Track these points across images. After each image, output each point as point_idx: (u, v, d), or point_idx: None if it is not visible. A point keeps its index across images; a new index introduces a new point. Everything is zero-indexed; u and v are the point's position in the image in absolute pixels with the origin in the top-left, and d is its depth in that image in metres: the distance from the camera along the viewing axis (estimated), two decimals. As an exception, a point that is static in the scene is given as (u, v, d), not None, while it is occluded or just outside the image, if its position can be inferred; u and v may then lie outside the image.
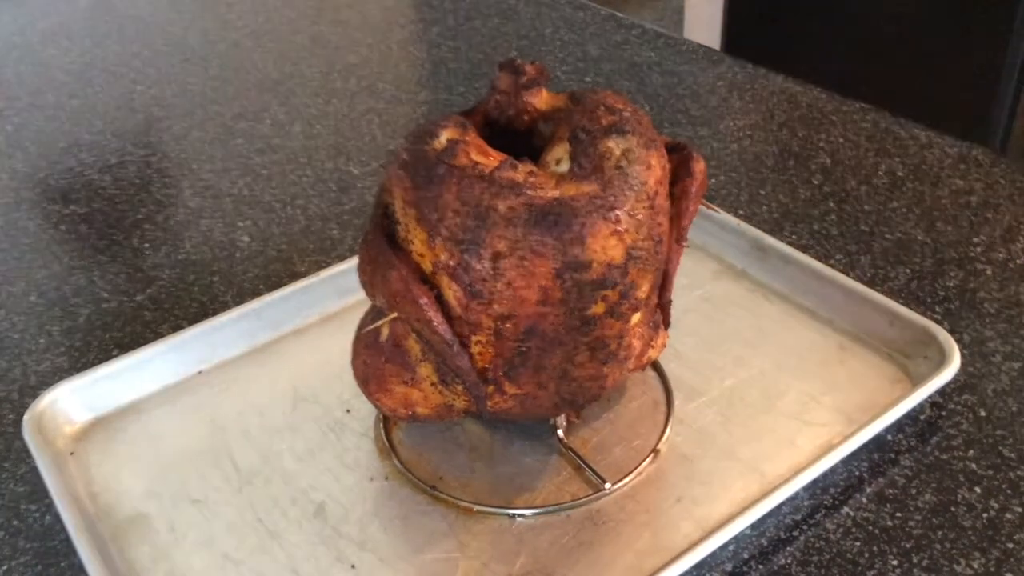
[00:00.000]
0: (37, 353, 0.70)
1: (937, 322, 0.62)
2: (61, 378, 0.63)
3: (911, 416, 0.59)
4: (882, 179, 0.83)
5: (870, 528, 0.52)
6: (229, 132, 0.99)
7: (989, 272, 0.71)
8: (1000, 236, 0.75)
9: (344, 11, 1.28)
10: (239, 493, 0.56)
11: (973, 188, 0.81)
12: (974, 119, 1.87)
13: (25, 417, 0.59)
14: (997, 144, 1.88)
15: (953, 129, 0.90)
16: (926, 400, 0.59)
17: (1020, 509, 0.53)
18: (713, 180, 0.84)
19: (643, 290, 0.50)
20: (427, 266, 0.48)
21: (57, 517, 0.55)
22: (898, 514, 0.53)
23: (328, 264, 0.74)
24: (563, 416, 0.57)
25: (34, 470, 0.58)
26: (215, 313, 0.68)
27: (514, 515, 0.54)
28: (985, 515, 0.53)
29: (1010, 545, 0.51)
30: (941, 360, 0.59)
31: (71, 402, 0.62)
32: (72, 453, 0.60)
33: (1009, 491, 0.54)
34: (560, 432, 0.58)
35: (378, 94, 1.05)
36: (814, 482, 0.54)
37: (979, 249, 0.73)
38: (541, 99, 0.52)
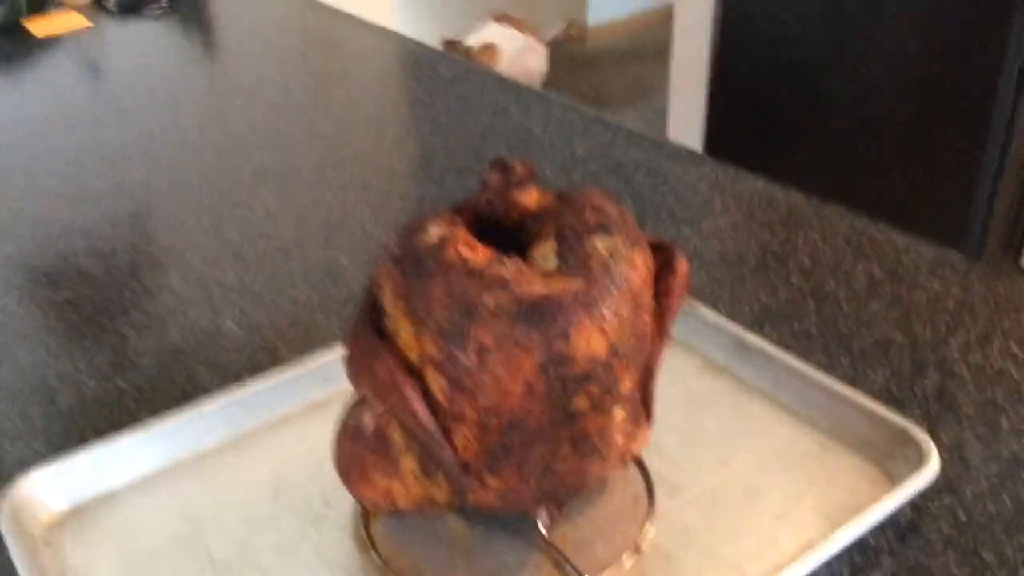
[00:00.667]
0: (15, 437, 0.69)
1: (916, 423, 0.63)
2: (39, 463, 0.62)
3: (892, 518, 0.59)
4: (860, 281, 0.85)
5: (853, 631, 0.52)
6: (221, 221, 1.00)
7: (966, 374, 0.72)
8: (976, 339, 0.76)
9: (339, 106, 1.32)
10: (215, 585, 0.55)
11: (949, 292, 0.82)
12: (951, 224, 1.92)
13: (2, 503, 0.58)
14: (973, 249, 1.92)
15: (930, 233, 0.93)
16: (906, 502, 0.59)
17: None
18: (696, 278, 0.86)
19: (626, 385, 0.50)
20: (414, 358, 0.49)
21: (28, 607, 0.54)
22: (881, 617, 0.53)
23: (314, 353, 0.74)
24: (544, 511, 0.57)
25: (7, 559, 0.57)
26: (198, 401, 0.68)
27: (494, 612, 0.53)
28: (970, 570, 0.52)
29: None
30: (920, 461, 0.59)
31: (48, 489, 0.61)
32: (48, 543, 0.59)
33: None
34: (542, 527, 0.57)
35: (370, 187, 1.07)
36: (796, 583, 0.54)
37: (956, 352, 0.75)
38: (530, 198, 0.54)
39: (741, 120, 2.31)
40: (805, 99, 2.13)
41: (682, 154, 1.12)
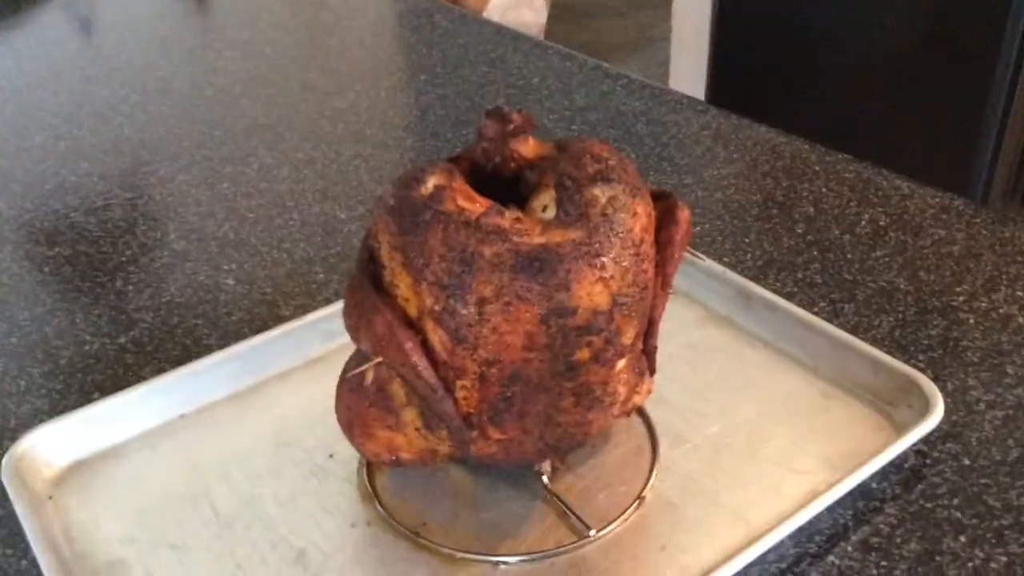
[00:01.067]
0: (17, 396, 0.69)
1: (920, 370, 0.63)
2: (41, 421, 0.62)
3: (896, 464, 0.59)
4: (865, 228, 0.84)
5: (856, 577, 0.52)
6: (216, 175, 0.99)
7: (972, 321, 0.72)
8: (982, 285, 0.75)
9: (333, 58, 1.30)
10: (218, 539, 0.56)
11: (955, 238, 0.82)
12: (955, 170, 1.90)
13: (3, 461, 0.58)
14: (978, 195, 1.90)
15: (934, 179, 0.92)
16: (910, 448, 0.59)
17: (1004, 559, 0.53)
18: (698, 228, 0.85)
19: (628, 336, 0.50)
20: (412, 311, 0.48)
21: (34, 562, 0.54)
22: (883, 563, 0.53)
23: (313, 308, 0.74)
24: (548, 462, 0.57)
25: (11, 514, 0.57)
26: (198, 356, 0.68)
27: (498, 562, 0.53)
28: (970, 564, 0.52)
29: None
30: (925, 408, 0.59)
31: (50, 446, 0.61)
32: (50, 497, 0.59)
33: (994, 540, 0.54)
34: (545, 478, 0.57)
35: (366, 139, 1.06)
36: (799, 530, 0.54)
37: (961, 298, 0.74)
38: (528, 147, 0.53)
39: (744, 68, 2.28)
40: (809, 47, 2.10)
41: (684, 103, 1.11)
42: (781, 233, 0.84)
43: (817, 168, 0.94)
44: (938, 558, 0.53)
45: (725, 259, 0.80)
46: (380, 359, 0.50)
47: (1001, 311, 0.72)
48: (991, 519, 0.55)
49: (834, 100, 2.09)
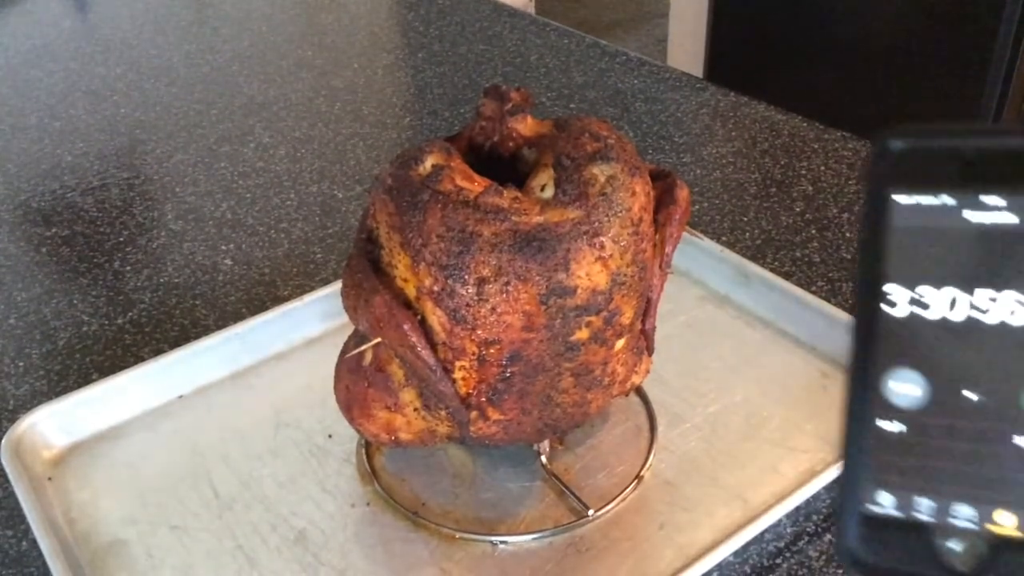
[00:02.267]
0: (16, 377, 0.69)
1: (918, 349, 0.63)
2: (40, 402, 0.62)
3: (893, 443, 0.59)
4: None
5: (853, 555, 0.52)
6: (213, 155, 0.99)
7: (969, 299, 0.71)
8: (980, 264, 0.75)
9: (330, 36, 1.29)
10: (218, 519, 0.56)
11: (953, 216, 0.81)
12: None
13: (3, 442, 0.58)
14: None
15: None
16: (908, 427, 0.59)
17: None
18: (696, 207, 0.85)
19: (627, 316, 0.50)
20: (411, 291, 0.48)
21: (34, 543, 0.54)
22: (881, 541, 0.53)
23: (311, 288, 0.74)
24: (546, 442, 0.57)
25: (11, 495, 0.57)
26: (197, 337, 0.68)
27: (497, 542, 0.53)
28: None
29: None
30: (922, 387, 0.59)
31: (50, 427, 0.61)
32: (50, 478, 0.59)
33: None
34: (543, 458, 0.57)
35: (363, 118, 1.05)
36: (797, 509, 0.54)
37: None
38: (526, 125, 0.52)
39: (743, 46, 2.26)
40: (808, 24, 2.09)
41: (682, 81, 1.10)
42: (779, 212, 0.84)
43: (816, 146, 0.94)
44: (935, 536, 0.53)
45: (724, 238, 0.80)
46: (379, 340, 0.50)
47: (999, 290, 0.72)
48: None
49: (833, 78, 2.08)
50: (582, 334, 0.48)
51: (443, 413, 0.51)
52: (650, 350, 0.56)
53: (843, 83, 2.06)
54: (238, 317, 0.72)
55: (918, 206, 0.27)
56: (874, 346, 0.28)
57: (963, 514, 0.26)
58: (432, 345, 0.48)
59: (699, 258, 0.73)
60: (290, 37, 1.29)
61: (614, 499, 0.55)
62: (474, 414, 0.50)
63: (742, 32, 2.26)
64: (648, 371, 0.58)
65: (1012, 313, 0.26)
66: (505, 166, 0.53)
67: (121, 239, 0.86)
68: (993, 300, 0.26)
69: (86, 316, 0.75)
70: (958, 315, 0.27)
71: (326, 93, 1.11)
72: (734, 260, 0.72)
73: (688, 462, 0.58)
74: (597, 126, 0.51)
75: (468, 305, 0.46)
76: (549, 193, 0.48)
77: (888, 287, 0.28)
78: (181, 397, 0.65)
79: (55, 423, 0.61)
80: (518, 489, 0.57)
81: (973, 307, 0.26)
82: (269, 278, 0.79)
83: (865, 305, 0.28)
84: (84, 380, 0.67)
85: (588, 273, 0.46)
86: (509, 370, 0.48)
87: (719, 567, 0.51)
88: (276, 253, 0.82)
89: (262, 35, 1.30)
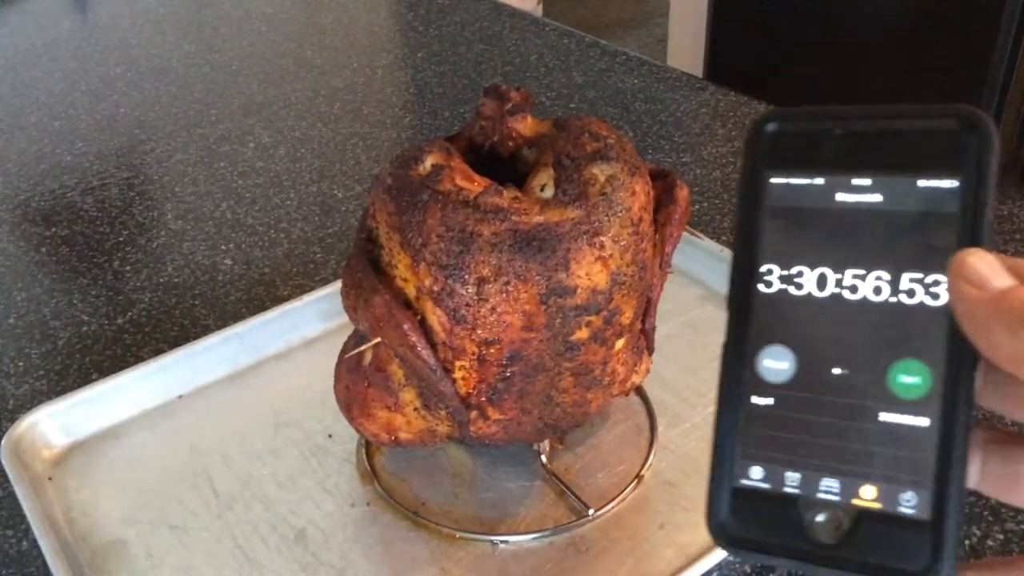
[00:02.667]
0: (15, 377, 0.69)
1: (918, 349, 0.63)
2: (40, 402, 0.62)
3: (893, 442, 0.59)
4: (863, 206, 0.84)
5: (853, 555, 0.52)
6: (212, 155, 0.99)
7: (969, 299, 0.71)
8: (979, 263, 0.75)
9: (330, 35, 1.29)
10: (218, 519, 0.56)
11: (953, 216, 0.81)
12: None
13: (2, 442, 0.58)
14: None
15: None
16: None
17: (1002, 536, 0.53)
18: (696, 207, 0.85)
19: (627, 316, 0.50)
20: (411, 291, 0.48)
21: (34, 543, 0.54)
22: (881, 541, 0.53)
23: (311, 288, 0.74)
24: (547, 441, 0.57)
25: (11, 495, 0.57)
26: (196, 337, 0.68)
27: (497, 542, 0.53)
28: (967, 541, 0.53)
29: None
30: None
31: (49, 426, 0.61)
32: (50, 478, 0.59)
33: (991, 518, 0.54)
34: (544, 458, 0.57)
35: (363, 118, 1.05)
36: (797, 509, 0.54)
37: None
38: (526, 125, 0.52)
39: (743, 46, 2.26)
40: (808, 24, 2.09)
41: (682, 80, 1.10)
42: (780, 211, 0.84)
43: (816, 146, 0.94)
44: (935, 535, 0.53)
45: (724, 238, 0.80)
46: (378, 339, 0.50)
47: (999, 289, 0.72)
48: (987, 497, 0.55)
49: (832, 77, 2.08)
50: (582, 334, 0.48)
51: (443, 413, 0.51)
52: (650, 350, 0.56)
53: (843, 83, 2.06)
54: (238, 317, 0.72)
55: (792, 187, 0.28)
56: (749, 324, 0.29)
57: (830, 488, 0.27)
58: (432, 345, 0.48)
59: (699, 258, 0.73)
60: (290, 37, 1.29)
61: (614, 499, 0.55)
62: (474, 414, 0.50)
63: (742, 32, 2.26)
64: (648, 371, 0.58)
65: (876, 291, 0.27)
66: (505, 166, 0.53)
67: (121, 239, 0.86)
68: (861, 278, 0.27)
69: (86, 316, 0.75)
70: (824, 293, 0.27)
71: (326, 93, 1.11)
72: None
73: (688, 461, 0.58)
74: (597, 126, 0.51)
75: (468, 305, 0.46)
76: (549, 193, 0.48)
77: (764, 266, 0.28)
78: (181, 397, 0.65)
79: (55, 423, 0.61)
80: (518, 489, 0.57)
81: (839, 285, 0.27)
82: (269, 278, 0.79)
83: (741, 284, 0.29)
84: (84, 380, 0.67)
85: (588, 273, 0.46)
86: (509, 370, 0.48)
87: (719, 567, 0.51)
88: (276, 253, 0.82)
89: (262, 35, 1.30)
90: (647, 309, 0.53)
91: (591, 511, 0.54)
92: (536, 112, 0.53)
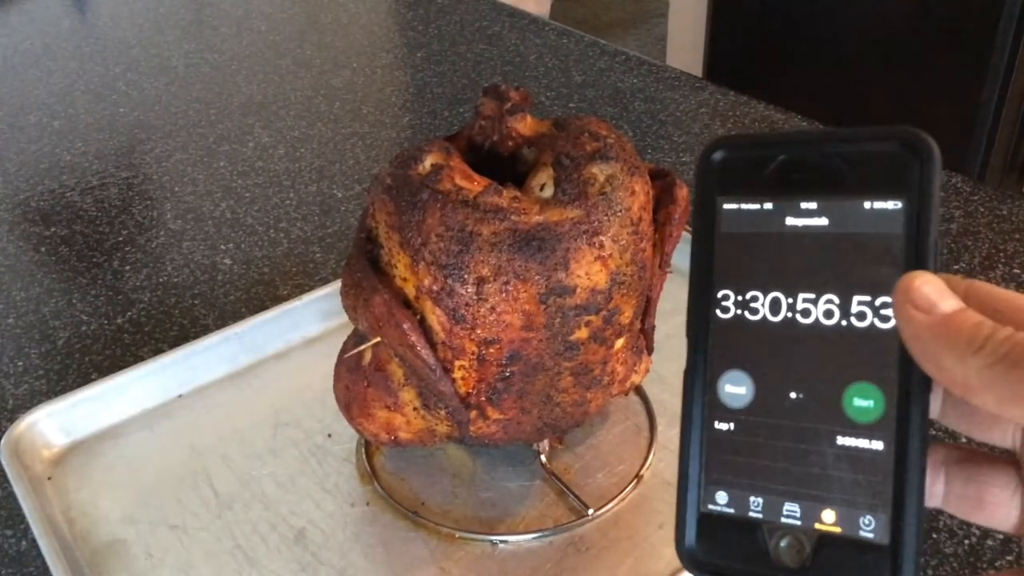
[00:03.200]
0: (15, 376, 0.69)
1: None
2: (39, 402, 0.62)
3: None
4: (863, 206, 0.84)
5: (852, 554, 0.52)
6: (212, 155, 0.99)
7: (968, 299, 0.71)
8: (979, 263, 0.75)
9: (329, 35, 1.29)
10: (218, 519, 0.56)
11: (952, 215, 0.82)
12: (952, 147, 1.90)
13: (2, 441, 0.58)
14: (975, 172, 1.90)
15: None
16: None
17: (1001, 536, 0.53)
18: (696, 206, 0.85)
19: (627, 315, 0.50)
20: (410, 291, 0.48)
21: (33, 542, 0.54)
22: (880, 540, 0.53)
23: (311, 287, 0.74)
24: (546, 441, 0.57)
25: (11, 495, 0.57)
26: (196, 336, 0.68)
27: (496, 541, 0.53)
28: (967, 541, 0.53)
29: (991, 572, 0.51)
30: (922, 386, 0.59)
31: (49, 426, 0.61)
32: (49, 478, 0.59)
33: (990, 517, 0.54)
34: (543, 457, 0.57)
35: (362, 117, 1.05)
36: (797, 508, 0.54)
37: (959, 276, 0.74)
38: (525, 125, 0.52)
39: (742, 45, 2.26)
40: (807, 23, 2.09)
41: (682, 80, 1.10)
42: (779, 211, 0.84)
43: (815, 145, 0.94)
44: (935, 536, 0.53)
45: (723, 237, 0.80)
46: (378, 339, 0.50)
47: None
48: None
49: (832, 77, 2.08)
50: (581, 333, 0.48)
51: (442, 412, 0.51)
52: (650, 349, 0.56)
53: (843, 83, 2.06)
54: (237, 317, 0.72)
55: (743, 212, 0.28)
56: (708, 350, 0.29)
57: (792, 512, 0.27)
58: (431, 344, 0.48)
59: (698, 257, 0.73)
60: (289, 36, 1.29)
61: (614, 498, 0.55)
62: (473, 413, 0.50)
63: (741, 31, 2.26)
64: (648, 370, 0.58)
65: (827, 314, 0.27)
66: (504, 165, 0.53)
67: (120, 238, 0.86)
68: (812, 302, 0.27)
69: (85, 316, 0.75)
70: (778, 317, 0.28)
71: (325, 92, 1.11)
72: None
73: (688, 461, 0.58)
74: (596, 125, 0.51)
75: (467, 304, 0.46)
76: (548, 192, 0.48)
77: (720, 292, 0.29)
78: (180, 397, 0.65)
79: (54, 423, 0.61)
80: (518, 488, 0.57)
81: (792, 309, 0.27)
82: (268, 277, 0.79)
83: (698, 310, 0.29)
84: (83, 380, 0.67)
85: (587, 272, 0.46)
86: (508, 369, 0.48)
87: (718, 566, 0.51)
88: (275, 252, 0.82)
89: (261, 34, 1.30)
90: (647, 309, 0.53)
91: (591, 511, 0.54)
92: (535, 112, 0.53)
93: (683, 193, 0.52)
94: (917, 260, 0.26)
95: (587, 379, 0.51)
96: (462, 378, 0.49)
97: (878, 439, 0.26)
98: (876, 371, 0.26)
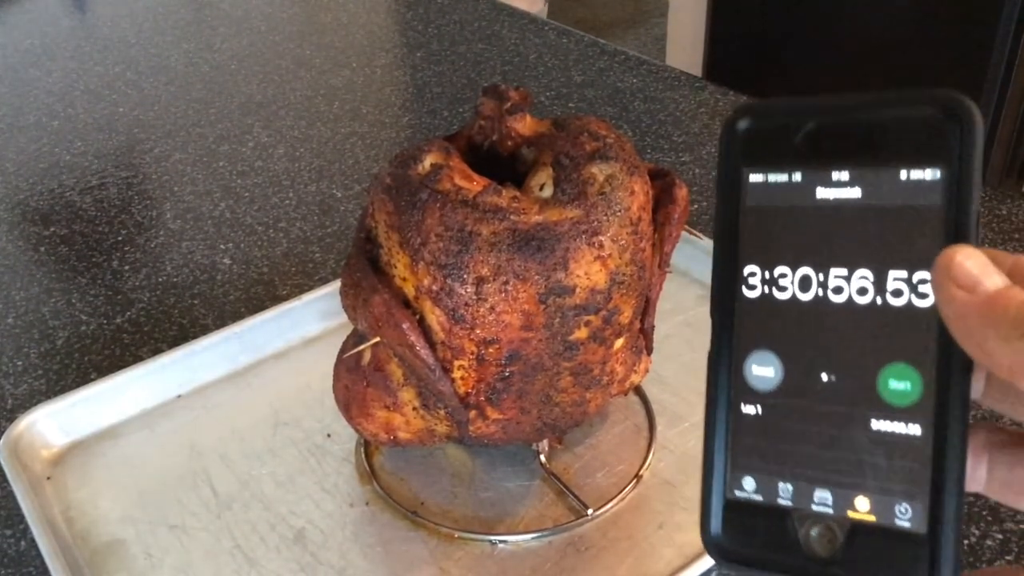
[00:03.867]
0: (14, 376, 0.69)
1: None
2: (38, 401, 0.62)
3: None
4: (862, 206, 0.84)
5: (852, 554, 0.52)
6: (211, 154, 0.99)
7: (968, 299, 0.71)
8: (978, 263, 0.75)
9: (328, 35, 1.29)
10: (217, 519, 0.56)
11: (952, 215, 0.81)
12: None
13: (1, 441, 0.58)
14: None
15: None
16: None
17: (1000, 536, 0.53)
18: (695, 206, 0.85)
19: (626, 315, 0.50)
20: (410, 290, 0.48)
21: (33, 542, 0.54)
22: (880, 540, 0.53)
23: (310, 287, 0.74)
24: (546, 441, 0.57)
25: (10, 495, 0.57)
26: (195, 336, 0.68)
27: (496, 541, 0.53)
28: (966, 541, 0.53)
29: (986, 568, 0.51)
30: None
31: (48, 426, 0.61)
32: (49, 477, 0.59)
33: (990, 518, 0.54)
34: (543, 457, 0.57)
35: (361, 117, 1.05)
36: (796, 508, 0.54)
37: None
38: (525, 124, 0.52)
39: (742, 45, 2.26)
40: (806, 22, 2.09)
41: (681, 80, 1.10)
42: (779, 211, 0.84)
43: (815, 145, 0.94)
44: (934, 535, 0.53)
45: (723, 237, 0.80)
46: (377, 339, 0.50)
47: (998, 289, 0.72)
48: (985, 498, 0.55)
49: (831, 76, 2.08)
50: (581, 333, 0.48)
51: (442, 412, 0.51)
52: (649, 349, 0.56)
53: (842, 83, 2.06)
54: (237, 316, 0.72)
55: (770, 184, 0.27)
56: (733, 329, 0.28)
57: (824, 500, 0.26)
58: (431, 344, 0.48)
59: (698, 257, 0.73)
60: (289, 36, 1.29)
61: (613, 498, 0.55)
62: (473, 413, 0.50)
63: (741, 31, 2.26)
64: (647, 370, 0.58)
65: (861, 291, 0.25)
66: (504, 165, 0.53)
67: (119, 238, 0.85)
68: (845, 278, 0.25)
69: (84, 315, 0.75)
70: (809, 295, 0.26)
71: (325, 92, 1.11)
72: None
73: (687, 461, 0.58)
74: (596, 125, 0.51)
75: (467, 304, 0.46)
76: (548, 192, 0.48)
77: (746, 269, 0.27)
78: (180, 396, 0.65)
79: (54, 422, 0.61)
80: (517, 488, 0.57)
81: (823, 286, 0.26)
82: (268, 277, 0.79)
83: (724, 288, 0.28)
84: (83, 379, 0.67)
85: (587, 272, 0.46)
86: (508, 369, 0.48)
87: (717, 568, 0.51)
88: (275, 252, 0.82)
89: (261, 34, 1.30)
90: (646, 309, 0.53)
91: (590, 511, 0.54)
92: (535, 111, 0.53)
93: (683, 193, 0.52)
94: (957, 234, 0.24)
95: (586, 379, 0.51)
96: (461, 378, 0.49)
97: (915, 423, 0.24)
98: (913, 351, 0.24)
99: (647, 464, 0.58)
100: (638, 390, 0.63)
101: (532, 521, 0.54)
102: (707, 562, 0.50)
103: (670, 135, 0.98)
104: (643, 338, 0.55)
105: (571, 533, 0.54)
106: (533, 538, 0.53)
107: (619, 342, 0.51)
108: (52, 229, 0.87)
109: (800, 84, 2.11)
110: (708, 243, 0.73)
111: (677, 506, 0.55)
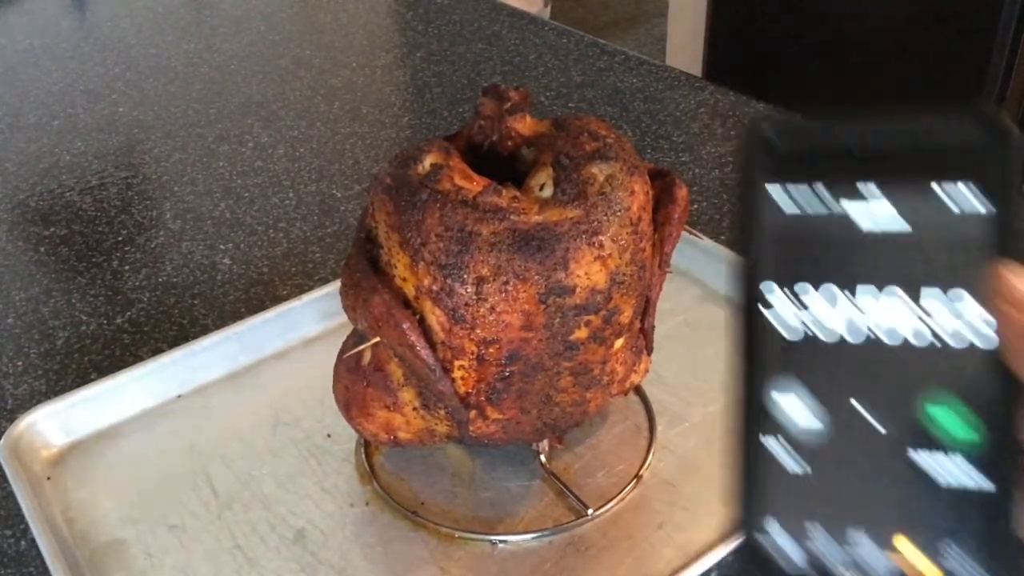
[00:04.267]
0: (14, 376, 0.69)
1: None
2: (38, 402, 0.62)
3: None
4: (862, 206, 0.84)
5: (852, 554, 0.52)
6: (211, 154, 0.99)
7: (968, 298, 0.71)
8: (978, 263, 0.75)
9: (328, 34, 1.29)
10: (217, 519, 0.56)
11: (952, 215, 0.81)
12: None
13: (1, 441, 0.58)
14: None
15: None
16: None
17: None
18: (695, 206, 0.85)
19: (626, 315, 0.50)
20: (410, 291, 0.48)
21: (33, 542, 0.54)
22: (880, 540, 0.53)
23: (310, 287, 0.74)
24: (546, 441, 0.57)
25: (10, 495, 0.57)
26: (195, 337, 0.68)
27: (496, 541, 0.53)
28: None
29: None
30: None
31: (48, 426, 0.61)
32: (49, 478, 0.59)
33: None
34: (543, 457, 0.57)
35: (361, 118, 1.05)
36: (796, 508, 0.54)
37: None
38: (525, 125, 0.52)
39: (742, 45, 2.26)
40: (807, 22, 2.09)
41: (681, 80, 1.10)
42: (779, 211, 0.84)
43: (815, 145, 0.94)
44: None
45: (723, 237, 0.80)
46: (377, 339, 0.50)
47: (998, 289, 0.72)
48: None
49: (831, 76, 2.08)
50: (581, 333, 0.48)
51: (442, 412, 0.51)
52: (649, 349, 0.56)
53: (843, 83, 2.06)
54: (237, 317, 0.72)
55: (793, 197, 0.25)
56: (755, 355, 0.26)
57: (860, 542, 0.24)
58: (431, 344, 0.48)
59: (698, 257, 0.73)
60: (288, 36, 1.29)
61: (613, 498, 0.55)
62: (473, 413, 0.50)
63: (741, 31, 2.26)
64: (647, 370, 0.58)
65: (896, 315, 0.24)
66: (504, 165, 0.52)
67: (119, 238, 0.85)
68: (875, 300, 0.24)
69: (84, 315, 0.75)
70: (838, 319, 0.24)
71: (324, 92, 1.11)
72: (733, 259, 0.71)
73: (687, 461, 0.58)
74: (596, 125, 0.51)
75: (467, 304, 0.46)
76: (548, 192, 0.48)
77: (768, 289, 0.25)
78: (180, 397, 0.65)
79: (54, 423, 0.61)
80: (517, 488, 0.57)
81: (851, 308, 0.24)
82: (268, 277, 0.79)
83: (743, 308, 0.26)
84: (83, 379, 0.67)
85: (587, 272, 0.46)
86: (508, 369, 0.48)
87: (718, 566, 0.51)
88: (275, 252, 0.82)
89: (260, 34, 1.30)
90: (646, 309, 0.53)
91: (590, 511, 0.54)
92: (535, 111, 0.53)
93: (682, 193, 0.52)
94: (1004, 253, 0.23)
95: (586, 379, 0.51)
96: (461, 378, 0.49)
97: (963, 459, 0.23)
98: (958, 381, 0.23)
99: (647, 464, 0.58)
100: (638, 390, 0.63)
101: (532, 521, 0.54)
102: (707, 561, 0.50)
103: (670, 135, 0.98)
104: (643, 338, 0.55)
105: (571, 533, 0.54)
106: (533, 538, 0.53)
107: (619, 342, 0.51)
108: (52, 229, 0.87)
109: (800, 84, 2.11)
110: (708, 243, 0.73)
111: (677, 506, 0.55)
